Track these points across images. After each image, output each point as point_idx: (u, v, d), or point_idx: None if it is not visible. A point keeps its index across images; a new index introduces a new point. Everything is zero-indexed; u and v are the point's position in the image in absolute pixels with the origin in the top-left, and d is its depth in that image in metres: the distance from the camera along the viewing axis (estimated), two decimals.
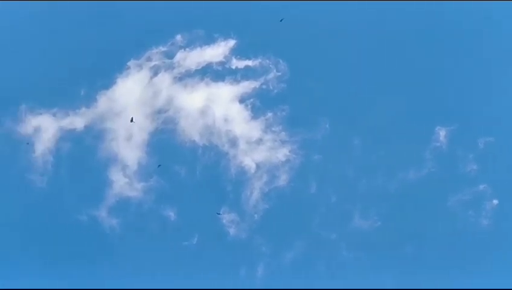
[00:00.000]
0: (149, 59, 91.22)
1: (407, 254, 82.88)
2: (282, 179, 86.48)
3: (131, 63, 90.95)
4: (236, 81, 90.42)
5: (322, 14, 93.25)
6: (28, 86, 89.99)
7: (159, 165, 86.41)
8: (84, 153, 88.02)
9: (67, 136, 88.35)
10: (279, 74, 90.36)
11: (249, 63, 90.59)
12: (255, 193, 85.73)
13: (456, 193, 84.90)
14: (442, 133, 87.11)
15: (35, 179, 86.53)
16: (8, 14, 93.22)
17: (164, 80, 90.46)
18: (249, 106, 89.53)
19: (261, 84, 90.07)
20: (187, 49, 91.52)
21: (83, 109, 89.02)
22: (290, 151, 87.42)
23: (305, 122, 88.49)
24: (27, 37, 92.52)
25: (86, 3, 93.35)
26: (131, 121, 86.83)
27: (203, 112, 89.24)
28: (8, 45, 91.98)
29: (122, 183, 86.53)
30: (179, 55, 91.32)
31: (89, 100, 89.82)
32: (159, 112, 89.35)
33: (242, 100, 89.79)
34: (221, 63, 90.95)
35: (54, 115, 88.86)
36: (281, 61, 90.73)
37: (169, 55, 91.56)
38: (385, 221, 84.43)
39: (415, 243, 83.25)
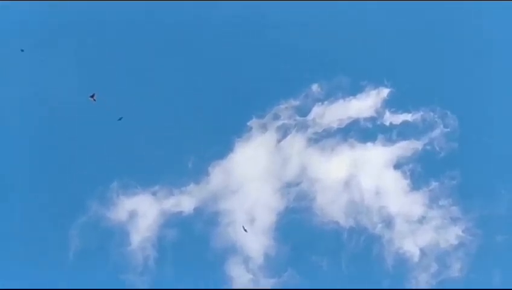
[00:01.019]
0: (276, 117, 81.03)
1: None
2: (456, 269, 75.16)
3: (253, 122, 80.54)
4: (390, 141, 79.92)
5: (495, 56, 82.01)
6: (121, 158, 79.71)
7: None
8: (195, 243, 76.84)
9: (172, 221, 77.56)
10: (448, 130, 79.50)
11: (408, 117, 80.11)
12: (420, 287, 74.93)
13: None
14: None
15: (133, 280, 74.82)
16: (101, 83, 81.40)
17: (295, 143, 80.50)
18: (408, 174, 78.75)
19: (424, 145, 79.25)
20: (325, 102, 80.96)
21: (191, 186, 78.36)
22: (464, 232, 76.53)
23: (483, 193, 77.55)
24: (123, 99, 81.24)
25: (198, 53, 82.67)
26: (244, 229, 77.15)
27: (347, 183, 78.90)
28: (98, 110, 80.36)
29: (245, 280, 76.16)
30: (315, 110, 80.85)
31: (199, 174, 79.12)
32: (290, 185, 79.02)
33: (398, 166, 79.14)
34: (371, 119, 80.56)
35: (154, 194, 78.27)
36: (449, 113, 79.66)
37: (303, 111, 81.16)
38: None
39: None
